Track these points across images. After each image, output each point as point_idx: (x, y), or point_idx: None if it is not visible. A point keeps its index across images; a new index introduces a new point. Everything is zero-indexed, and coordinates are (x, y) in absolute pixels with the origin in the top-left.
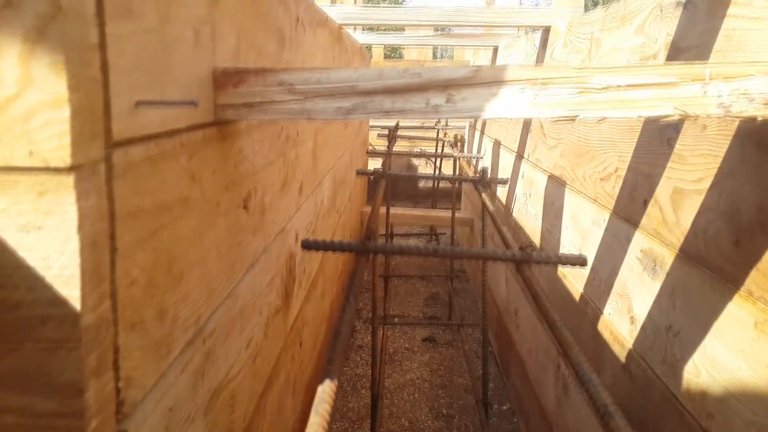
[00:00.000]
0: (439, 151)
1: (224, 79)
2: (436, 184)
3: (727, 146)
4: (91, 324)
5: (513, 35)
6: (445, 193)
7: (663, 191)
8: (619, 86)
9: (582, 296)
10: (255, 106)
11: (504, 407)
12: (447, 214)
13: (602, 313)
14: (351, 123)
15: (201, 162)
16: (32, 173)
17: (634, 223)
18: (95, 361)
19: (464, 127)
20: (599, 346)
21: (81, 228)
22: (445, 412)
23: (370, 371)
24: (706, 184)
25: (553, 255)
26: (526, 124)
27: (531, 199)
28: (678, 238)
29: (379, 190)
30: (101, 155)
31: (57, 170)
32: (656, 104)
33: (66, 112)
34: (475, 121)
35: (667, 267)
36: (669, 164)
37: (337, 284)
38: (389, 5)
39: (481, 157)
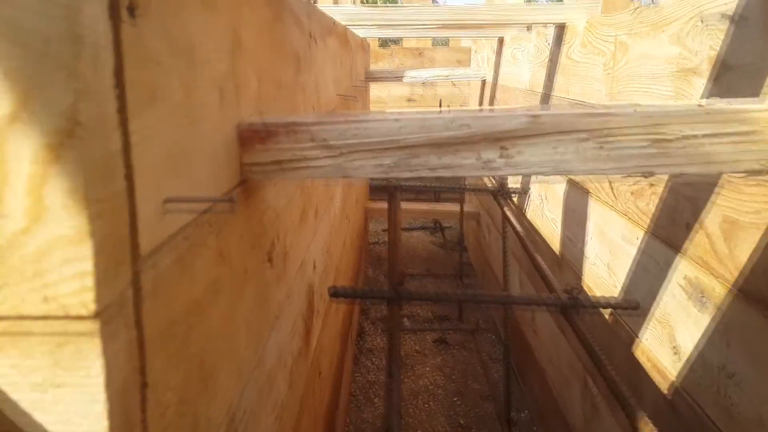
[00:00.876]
0: None
1: (250, 135)
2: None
3: None
4: None
5: (520, 27)
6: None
7: (711, 218)
8: (696, 136)
9: (613, 315)
10: (285, 165)
11: (522, 414)
12: (452, 207)
13: (638, 337)
14: None
15: (229, 233)
16: (48, 322)
17: (675, 247)
18: None
19: None
20: (636, 371)
21: (109, 383)
22: (462, 422)
23: (382, 377)
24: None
25: (603, 300)
26: None
27: (548, 202)
28: (731, 272)
29: (394, 208)
30: (128, 281)
31: (79, 318)
32: (739, 157)
33: (88, 248)
34: (480, 109)
35: (719, 302)
36: (717, 189)
37: (352, 280)
38: (391, 5)
39: None
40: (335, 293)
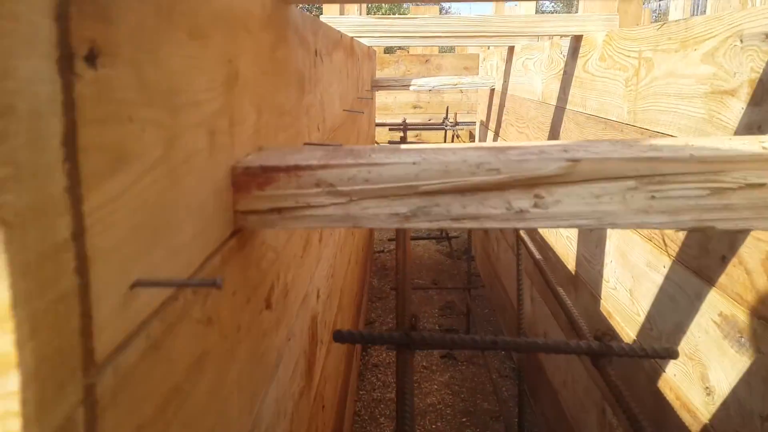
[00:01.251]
0: None
1: (246, 179)
2: None
3: None
4: None
5: (532, 37)
6: None
7: (751, 253)
8: (763, 185)
9: (635, 344)
10: (285, 212)
11: None
12: None
13: (664, 371)
14: (360, 127)
15: (219, 295)
16: None
17: (708, 279)
18: None
19: (474, 124)
20: (661, 406)
21: None
22: None
23: (388, 394)
24: None
25: (638, 347)
26: (553, 131)
27: None
28: None
29: (403, 244)
30: (77, 400)
31: None
32: None
33: (13, 382)
34: (487, 120)
35: (761, 344)
36: None
37: (357, 296)
38: (397, 16)
39: None
40: (340, 337)
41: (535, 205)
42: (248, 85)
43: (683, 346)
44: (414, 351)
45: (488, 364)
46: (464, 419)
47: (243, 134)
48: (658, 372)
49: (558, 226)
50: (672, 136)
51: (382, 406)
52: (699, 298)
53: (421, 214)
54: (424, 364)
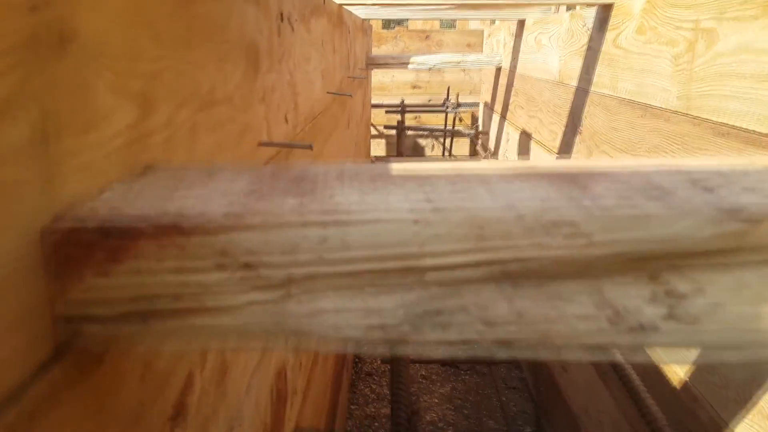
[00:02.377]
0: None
1: (73, 252)
2: None
3: None
4: None
5: (546, 8)
6: None
7: None
8: None
9: (685, 385)
10: (153, 319)
11: None
12: None
13: (727, 425)
14: (353, 111)
15: None
16: None
17: None
18: None
19: (477, 105)
20: None
21: None
22: None
23: (382, 409)
24: None
25: None
26: (574, 117)
27: None
28: None
29: None
30: None
31: None
32: None
33: None
34: (492, 101)
35: None
36: None
37: None
38: None
39: None
40: None
41: (670, 315)
42: (110, 57)
43: (758, 403)
44: None
45: (493, 374)
46: None
47: (91, 150)
48: (717, 426)
49: (715, 360)
50: (748, 130)
51: (376, 424)
52: None
53: (428, 327)
54: (423, 373)
